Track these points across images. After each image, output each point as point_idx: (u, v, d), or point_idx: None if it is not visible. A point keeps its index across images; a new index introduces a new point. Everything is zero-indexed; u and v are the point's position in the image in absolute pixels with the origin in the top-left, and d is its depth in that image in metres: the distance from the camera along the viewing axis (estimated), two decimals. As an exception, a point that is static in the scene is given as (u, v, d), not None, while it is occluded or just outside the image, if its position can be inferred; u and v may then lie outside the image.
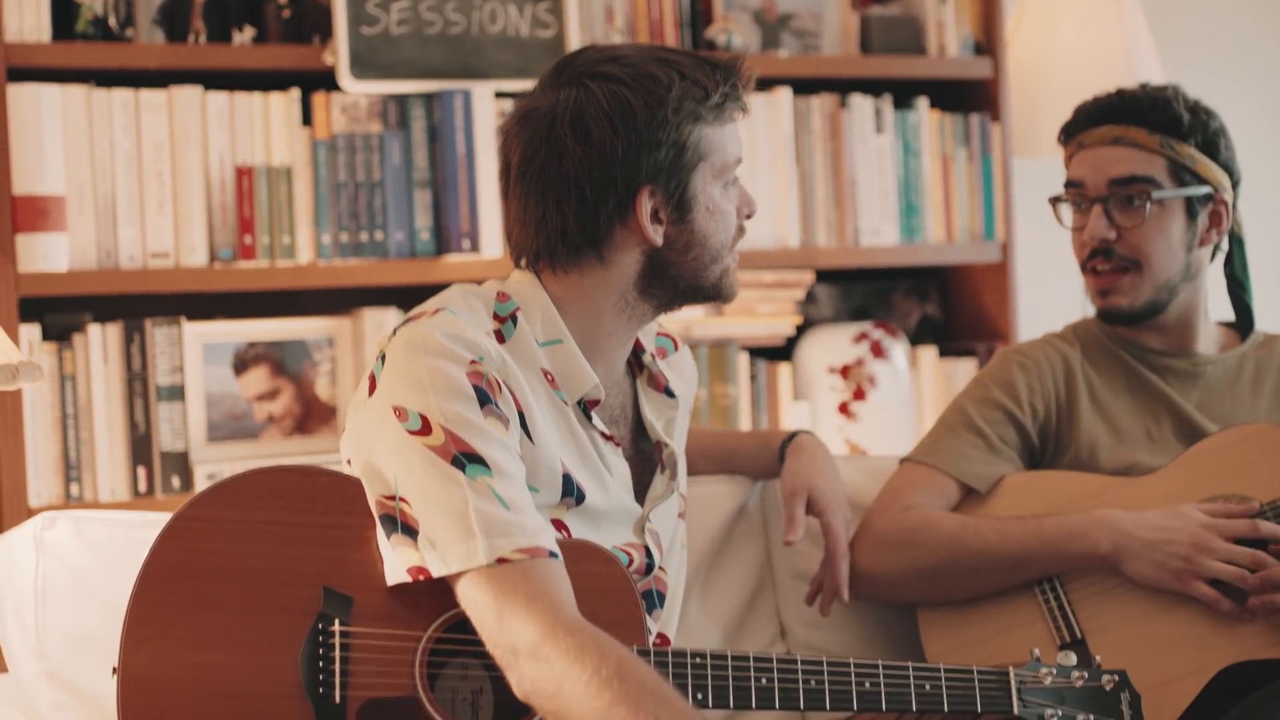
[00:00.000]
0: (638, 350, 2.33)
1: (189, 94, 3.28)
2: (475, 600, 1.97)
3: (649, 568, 2.24)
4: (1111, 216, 2.64)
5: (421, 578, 1.98)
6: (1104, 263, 2.66)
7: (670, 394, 2.34)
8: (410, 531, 1.99)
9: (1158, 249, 2.63)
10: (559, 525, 2.13)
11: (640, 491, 2.28)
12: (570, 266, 2.18)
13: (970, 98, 3.89)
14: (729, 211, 2.21)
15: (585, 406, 2.19)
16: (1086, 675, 2.16)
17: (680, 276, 2.20)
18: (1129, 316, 2.67)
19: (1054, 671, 2.16)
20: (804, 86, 3.75)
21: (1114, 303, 2.66)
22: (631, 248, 2.17)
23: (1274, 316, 2.96)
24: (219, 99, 3.30)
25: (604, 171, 2.13)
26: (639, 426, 2.32)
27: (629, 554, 2.22)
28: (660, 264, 2.18)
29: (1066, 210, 2.73)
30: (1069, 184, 2.71)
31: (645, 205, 2.15)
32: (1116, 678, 2.17)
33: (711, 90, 2.15)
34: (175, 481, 3.24)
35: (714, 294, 2.24)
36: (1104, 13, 3.92)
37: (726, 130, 2.19)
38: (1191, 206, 2.64)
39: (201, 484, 3.23)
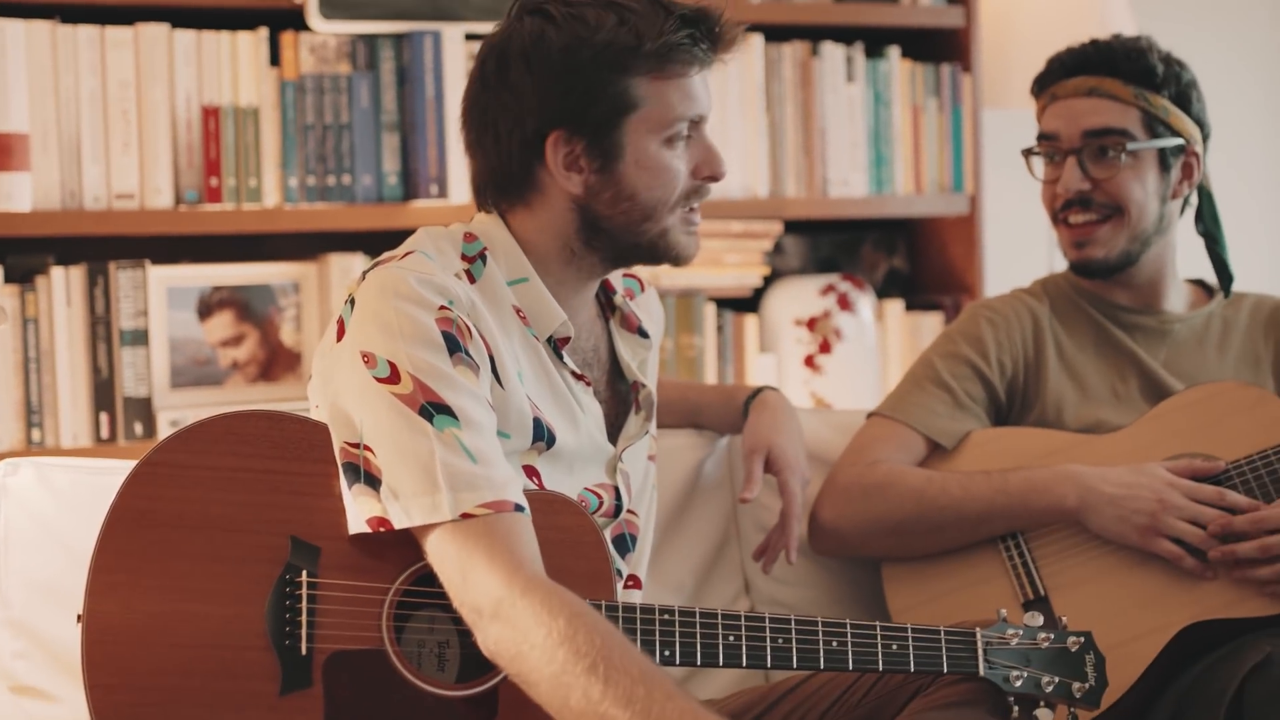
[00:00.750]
0: (609, 291, 2.33)
1: (156, 31, 3.24)
2: (441, 555, 1.96)
3: (618, 509, 2.24)
4: (1086, 168, 2.64)
5: (383, 529, 1.97)
6: (1080, 213, 2.65)
7: (644, 334, 2.33)
8: (373, 481, 1.97)
9: (1135, 197, 2.63)
10: (530, 471, 2.12)
11: (613, 433, 2.27)
12: (512, 207, 2.17)
13: (942, 47, 3.87)
14: (671, 169, 2.14)
15: (556, 345, 2.18)
16: (1052, 637, 2.17)
17: (614, 231, 2.16)
18: (1103, 268, 2.67)
19: (1020, 633, 2.16)
20: (775, 34, 3.72)
21: (1089, 254, 2.66)
22: (558, 195, 2.15)
23: (1242, 274, 2.96)
24: (186, 37, 3.26)
25: (515, 110, 2.11)
26: (614, 368, 2.31)
27: (599, 495, 2.21)
28: (591, 216, 2.15)
29: (1039, 163, 2.73)
30: (1042, 136, 2.71)
31: (558, 150, 2.12)
32: (1082, 639, 2.18)
33: (646, 39, 2.09)
34: (138, 428, 3.22)
35: (656, 254, 2.19)
36: (1074, -39, 3.91)
37: (672, 84, 2.12)
38: (1164, 158, 2.64)
39: (165, 431, 3.20)
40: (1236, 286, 2.78)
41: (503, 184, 2.17)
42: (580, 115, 2.10)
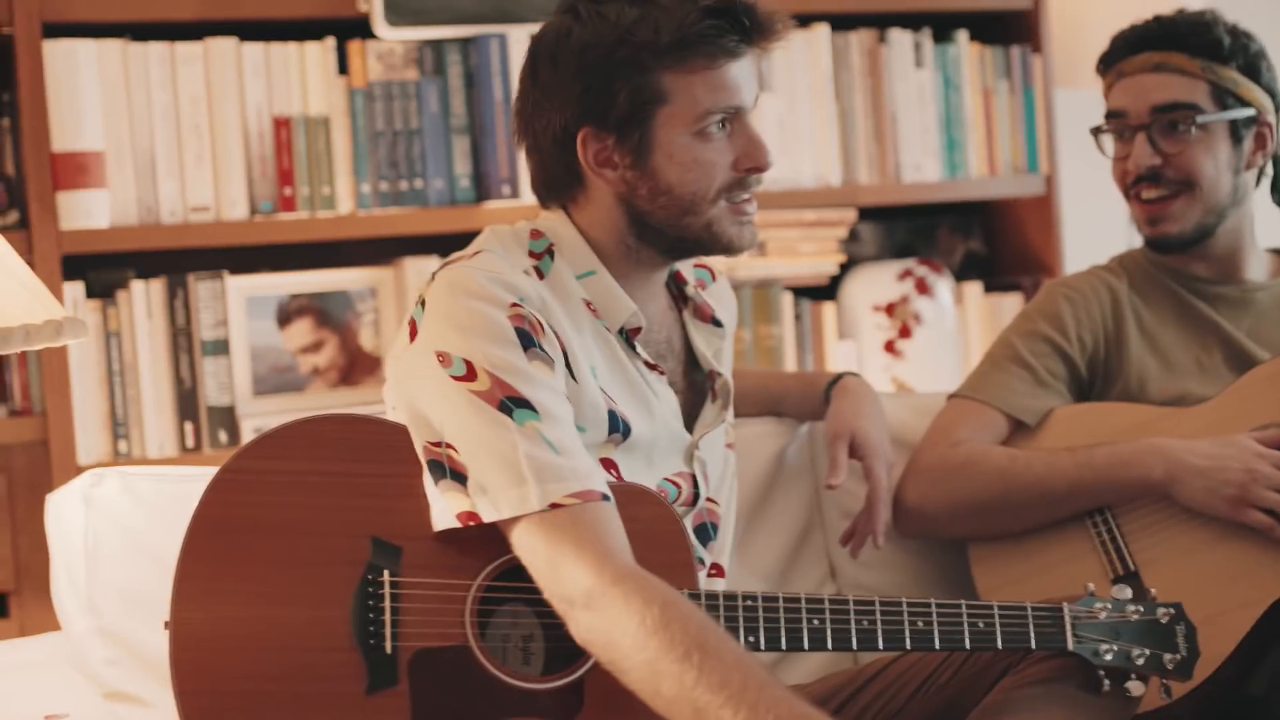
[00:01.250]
0: (680, 282, 2.32)
1: (224, 45, 3.27)
2: (529, 547, 1.96)
3: (695, 498, 2.24)
4: (1155, 143, 2.61)
5: (472, 524, 1.97)
6: (1151, 189, 2.63)
7: (717, 323, 2.33)
8: (459, 477, 1.98)
9: (1206, 171, 2.60)
10: (608, 465, 2.12)
11: (690, 422, 2.27)
12: (567, 204, 2.19)
13: (1010, 29, 3.85)
14: (708, 162, 2.12)
15: (628, 336, 2.18)
16: (1142, 609, 2.15)
17: (661, 226, 2.15)
18: (1179, 243, 2.64)
19: (1109, 606, 2.14)
20: (841, 22, 3.71)
21: (1164, 230, 2.64)
22: (601, 191, 2.15)
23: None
24: (254, 50, 3.29)
25: (546, 109, 2.13)
26: (689, 359, 2.31)
27: (677, 485, 2.21)
28: (636, 211, 2.15)
29: (1108, 140, 2.71)
30: (1110, 114, 2.68)
31: (588, 147, 2.12)
32: (1172, 611, 2.16)
33: (664, 34, 2.07)
34: (222, 436, 3.24)
35: (706, 245, 2.18)
36: (1144, -62, 3.87)
37: (699, 77, 2.10)
38: (1236, 130, 2.62)
39: (248, 438, 3.22)
40: None
41: (550, 182, 2.18)
42: (604, 112, 2.10)
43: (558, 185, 2.18)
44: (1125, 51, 2.66)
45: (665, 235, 2.16)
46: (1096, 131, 2.71)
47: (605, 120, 2.11)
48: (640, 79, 2.09)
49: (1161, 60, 2.61)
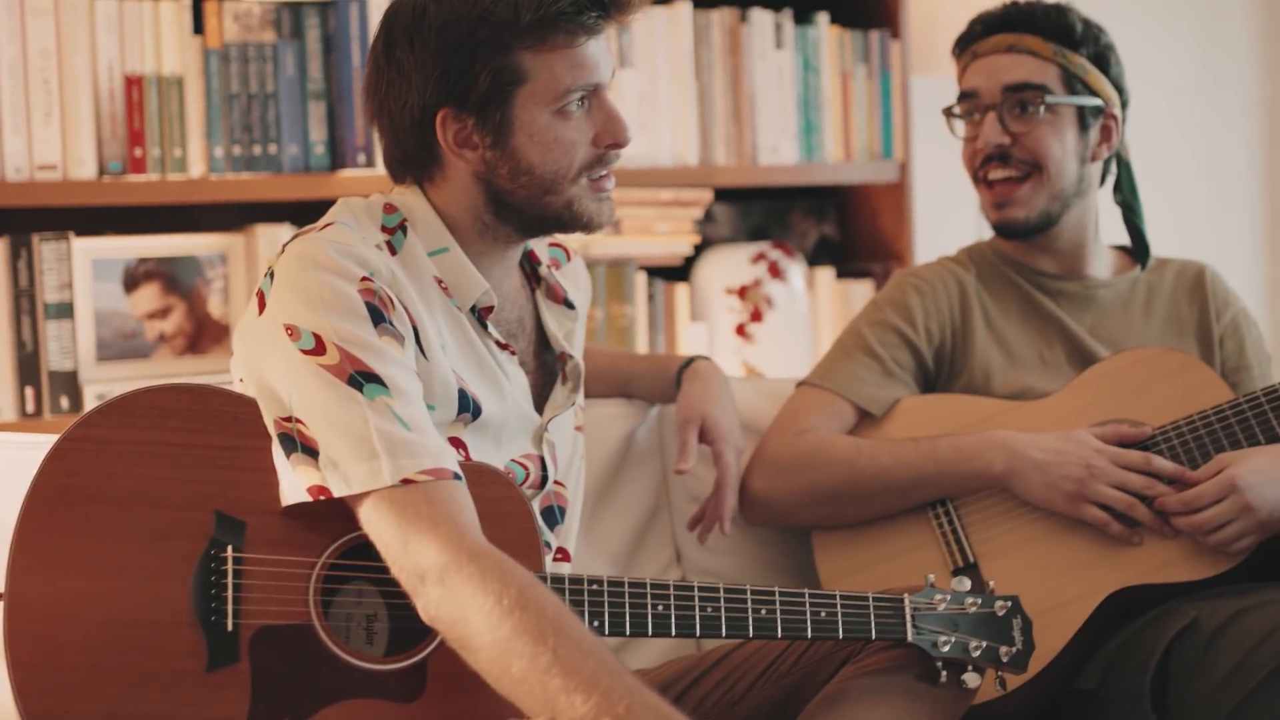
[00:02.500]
0: (533, 262, 2.31)
1: (76, -1, 3.21)
2: (378, 523, 1.95)
3: (544, 480, 2.23)
4: (1005, 122, 2.65)
5: (322, 498, 1.96)
6: (999, 169, 2.66)
7: (569, 305, 2.32)
8: (310, 452, 1.96)
9: (1053, 153, 2.64)
10: (457, 444, 2.11)
11: (539, 404, 2.26)
12: (423, 181, 2.16)
13: (870, 14, 3.87)
14: (568, 140, 2.12)
15: (480, 315, 2.17)
16: (980, 602, 2.18)
17: (520, 205, 2.14)
18: (1024, 229, 2.68)
19: (948, 598, 2.17)
20: (704, 0, 3.71)
21: (1010, 215, 2.67)
22: (459, 170, 2.13)
23: (1164, 241, 2.98)
24: (108, 5, 3.22)
25: (401, 89, 2.10)
26: (540, 339, 2.30)
27: (525, 467, 2.21)
28: (495, 190, 2.14)
29: (959, 124, 2.74)
30: (963, 95, 2.72)
31: (447, 128, 2.10)
32: (1009, 603, 2.19)
33: (526, 11, 2.06)
34: (64, 402, 3.19)
35: (565, 223, 2.17)
36: (1004, -72, 3.90)
37: (559, 55, 2.09)
38: (1083, 117, 2.66)
39: (91, 404, 3.17)
40: (1161, 253, 2.80)
41: (405, 160, 2.16)
42: (464, 93, 2.08)
43: (413, 163, 2.16)
44: (981, 33, 2.70)
45: (524, 213, 2.15)
46: (948, 112, 2.74)
47: (465, 101, 2.09)
48: (501, 59, 2.07)
49: (1015, 41, 2.65)
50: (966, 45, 2.72)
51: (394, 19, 2.12)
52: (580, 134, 2.13)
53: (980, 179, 2.70)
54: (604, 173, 2.17)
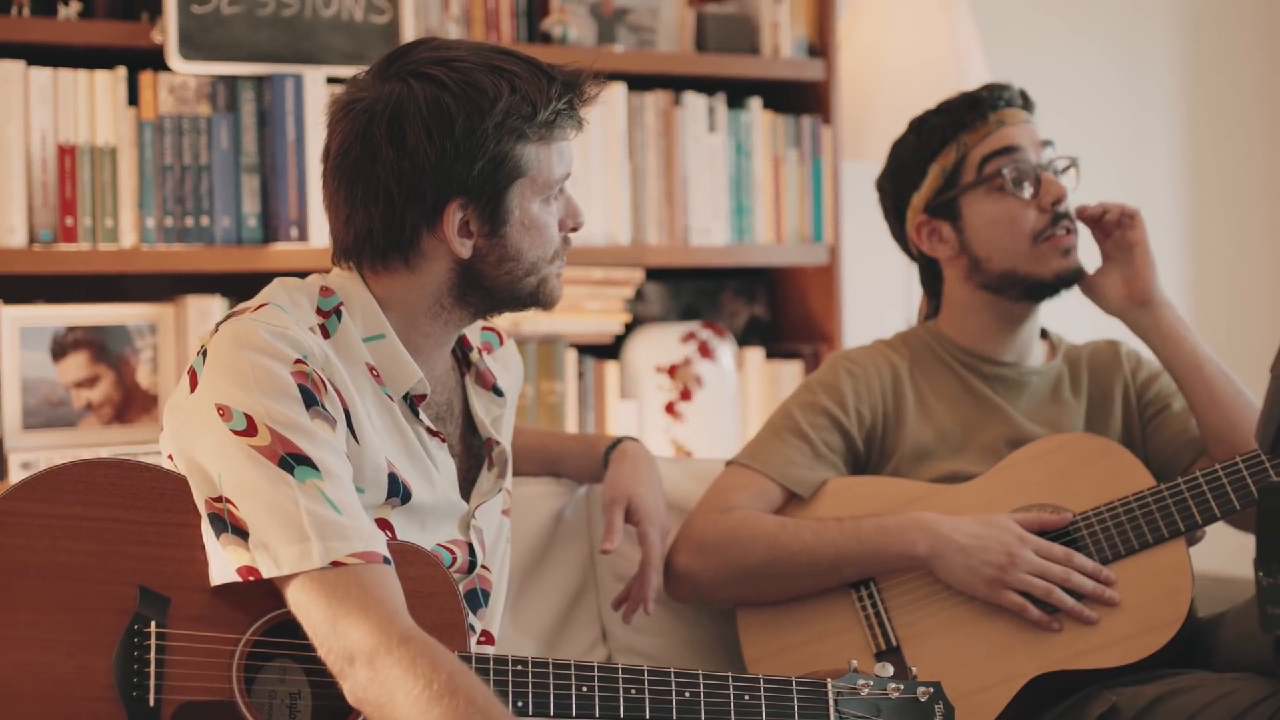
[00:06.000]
0: (465, 347, 2.33)
1: (10, 68, 3.20)
2: (306, 604, 1.95)
3: (471, 565, 2.24)
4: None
5: (252, 578, 1.96)
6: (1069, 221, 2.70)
7: (498, 392, 2.33)
8: (240, 532, 1.97)
9: None
10: (383, 525, 2.12)
11: (466, 488, 2.27)
12: (380, 267, 2.16)
13: (802, 99, 3.92)
14: (549, 225, 2.18)
15: (412, 402, 2.18)
16: (903, 688, 2.19)
17: (494, 288, 2.17)
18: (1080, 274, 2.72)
19: (870, 683, 2.18)
20: (638, 82, 3.74)
21: (1076, 260, 2.71)
22: (440, 257, 2.15)
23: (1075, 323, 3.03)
24: (42, 74, 3.22)
25: (414, 179, 2.10)
26: (468, 423, 2.31)
27: (452, 552, 2.21)
28: (472, 275, 2.16)
29: (992, 194, 2.71)
30: (1003, 150, 2.71)
31: (454, 217, 2.12)
32: (931, 689, 2.21)
33: (540, 108, 2.11)
34: (-12, 468, 3.17)
35: (531, 303, 2.22)
36: (934, 17, 3.96)
37: (554, 148, 2.15)
38: None
39: (16, 473, 3.15)
40: (1074, 337, 2.84)
41: (383, 246, 2.14)
42: (480, 184, 2.11)
43: (390, 250, 2.14)
44: (1000, 103, 2.73)
45: (494, 295, 2.18)
46: (991, 176, 2.72)
47: (477, 192, 2.11)
48: (515, 152, 2.11)
49: (1028, 116, 2.75)
50: (988, 112, 2.73)
51: (402, 107, 2.09)
52: (554, 219, 2.19)
53: (1045, 238, 2.69)
54: (562, 254, 2.23)
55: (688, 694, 2.09)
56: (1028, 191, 2.68)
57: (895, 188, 2.79)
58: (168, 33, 3.27)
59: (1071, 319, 2.98)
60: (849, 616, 2.57)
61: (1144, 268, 2.69)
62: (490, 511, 2.30)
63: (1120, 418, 2.76)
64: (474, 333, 2.36)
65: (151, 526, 2.01)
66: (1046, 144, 2.72)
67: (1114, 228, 2.70)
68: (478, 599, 2.26)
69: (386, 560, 1.99)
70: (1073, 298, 2.74)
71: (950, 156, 2.71)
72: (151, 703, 1.94)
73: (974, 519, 2.54)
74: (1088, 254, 2.73)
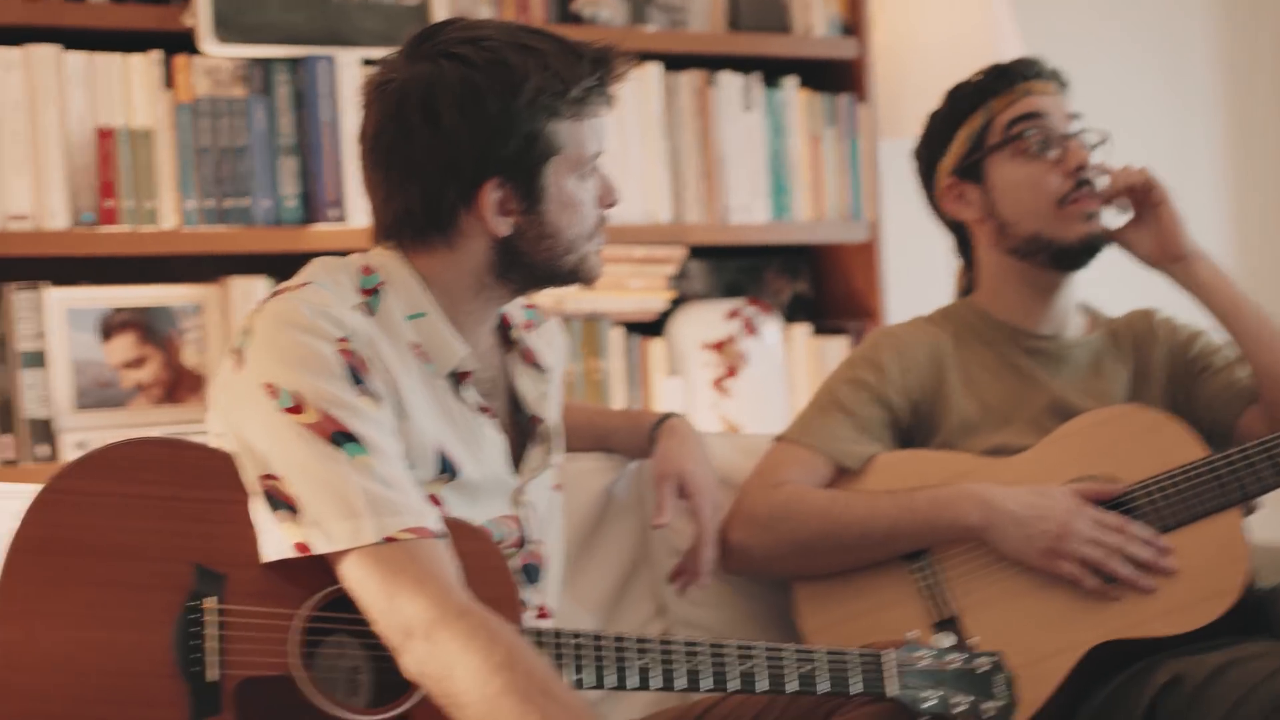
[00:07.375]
0: (506, 325, 2.32)
1: (46, 52, 3.19)
2: (361, 580, 1.94)
3: (523, 541, 2.23)
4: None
5: (305, 554, 1.95)
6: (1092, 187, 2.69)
7: (542, 368, 2.32)
8: (292, 509, 1.96)
9: None
10: (434, 501, 2.10)
11: (515, 464, 2.26)
12: (421, 246, 2.15)
13: (837, 78, 3.90)
14: (585, 203, 2.17)
15: (457, 379, 2.17)
16: (962, 658, 2.18)
17: (534, 265, 2.17)
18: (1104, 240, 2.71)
19: (930, 654, 2.17)
20: (672, 62, 3.73)
21: (1099, 226, 2.69)
22: (479, 235, 2.14)
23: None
24: (77, 58, 3.22)
25: (448, 158, 2.09)
26: (513, 401, 2.30)
27: (503, 527, 2.20)
28: (512, 253, 2.15)
29: (1009, 157, 2.71)
30: (1029, 115, 2.70)
31: (491, 196, 2.11)
32: (992, 660, 2.19)
33: (571, 85, 2.10)
34: (42, 450, 3.17)
35: (571, 279, 2.21)
36: (968, -7, 3.95)
37: (586, 125, 2.14)
38: None
39: (69, 452, 3.16)
40: (1106, 307, 2.83)
41: (423, 225, 2.13)
42: (515, 162, 2.10)
43: (429, 229, 2.14)
44: (1030, 74, 2.72)
45: (534, 271, 2.17)
46: (1012, 138, 2.72)
47: (513, 170, 2.10)
48: (546, 130, 2.10)
49: (1059, 88, 2.74)
50: (1017, 81, 2.72)
51: (433, 87, 2.08)
52: (591, 196, 2.18)
53: (1070, 200, 2.68)
54: (602, 230, 2.23)
55: (747, 665, 2.08)
56: (1052, 154, 2.67)
57: (927, 153, 2.80)
58: (200, 16, 3.26)
59: (1101, 289, 2.95)
60: (906, 588, 2.56)
61: (1171, 224, 2.67)
62: (540, 487, 2.29)
63: (1164, 383, 2.74)
64: (515, 311, 2.34)
65: (204, 504, 2.00)
66: (1075, 117, 2.72)
67: (1136, 195, 2.69)
68: (531, 573, 2.25)
69: (440, 535, 1.98)
70: (1103, 267, 2.73)
71: (978, 121, 2.72)
72: (214, 678, 1.93)
73: (1028, 489, 2.54)
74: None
